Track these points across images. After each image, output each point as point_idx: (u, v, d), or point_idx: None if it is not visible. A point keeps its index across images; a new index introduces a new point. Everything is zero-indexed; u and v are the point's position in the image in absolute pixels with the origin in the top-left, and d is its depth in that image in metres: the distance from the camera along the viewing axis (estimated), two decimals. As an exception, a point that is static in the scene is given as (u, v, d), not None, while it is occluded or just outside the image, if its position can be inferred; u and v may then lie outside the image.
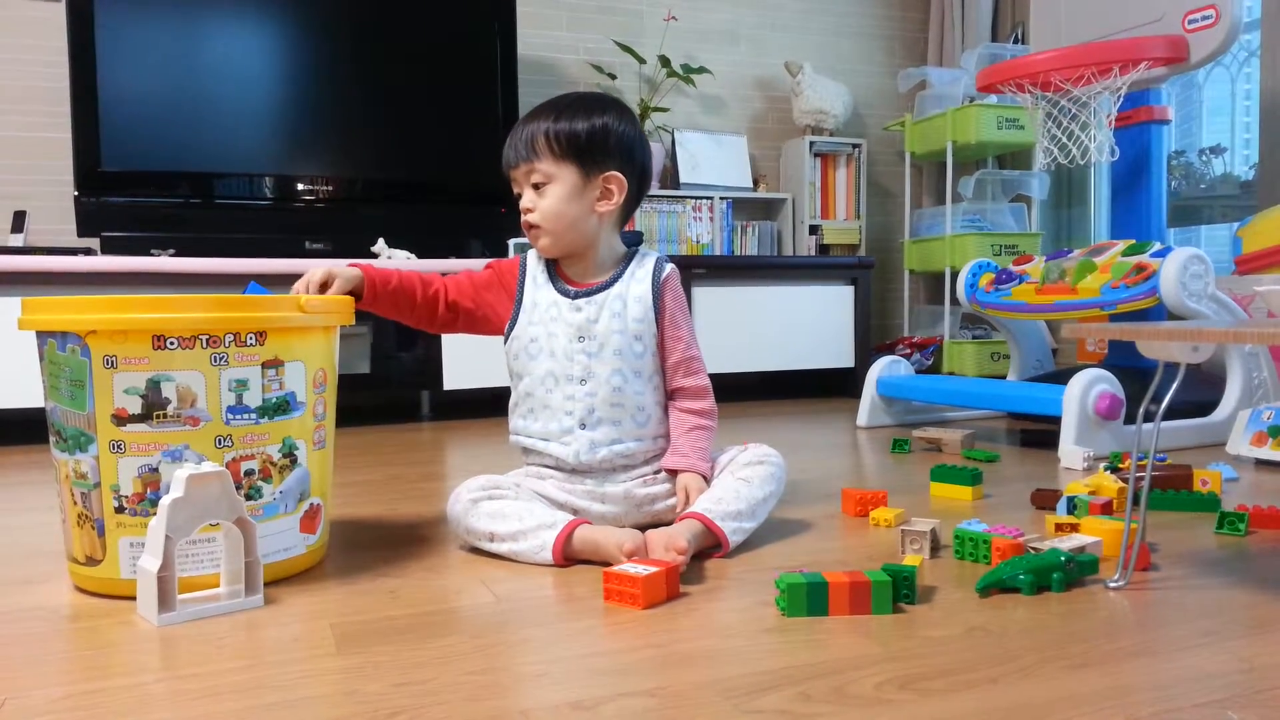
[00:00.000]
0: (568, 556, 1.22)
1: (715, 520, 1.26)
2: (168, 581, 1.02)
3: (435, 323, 1.42)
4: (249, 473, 1.12)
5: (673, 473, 1.38)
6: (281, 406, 1.15)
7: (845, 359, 3.36)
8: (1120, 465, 1.77)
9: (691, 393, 1.41)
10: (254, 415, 1.12)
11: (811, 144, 3.68)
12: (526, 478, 1.38)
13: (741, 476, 1.35)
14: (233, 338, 1.10)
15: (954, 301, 3.43)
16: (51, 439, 1.14)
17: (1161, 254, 2.13)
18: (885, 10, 4.02)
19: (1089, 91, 2.33)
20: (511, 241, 3.03)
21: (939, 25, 3.93)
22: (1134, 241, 2.29)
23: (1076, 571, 1.12)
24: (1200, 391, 2.24)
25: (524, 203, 1.36)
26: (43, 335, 1.11)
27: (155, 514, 1.03)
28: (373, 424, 2.77)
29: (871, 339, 3.50)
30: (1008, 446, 2.23)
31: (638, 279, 1.39)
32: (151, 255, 2.63)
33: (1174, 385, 1.07)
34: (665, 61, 3.51)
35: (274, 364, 1.14)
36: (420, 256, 2.85)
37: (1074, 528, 1.32)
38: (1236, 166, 3.18)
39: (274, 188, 2.96)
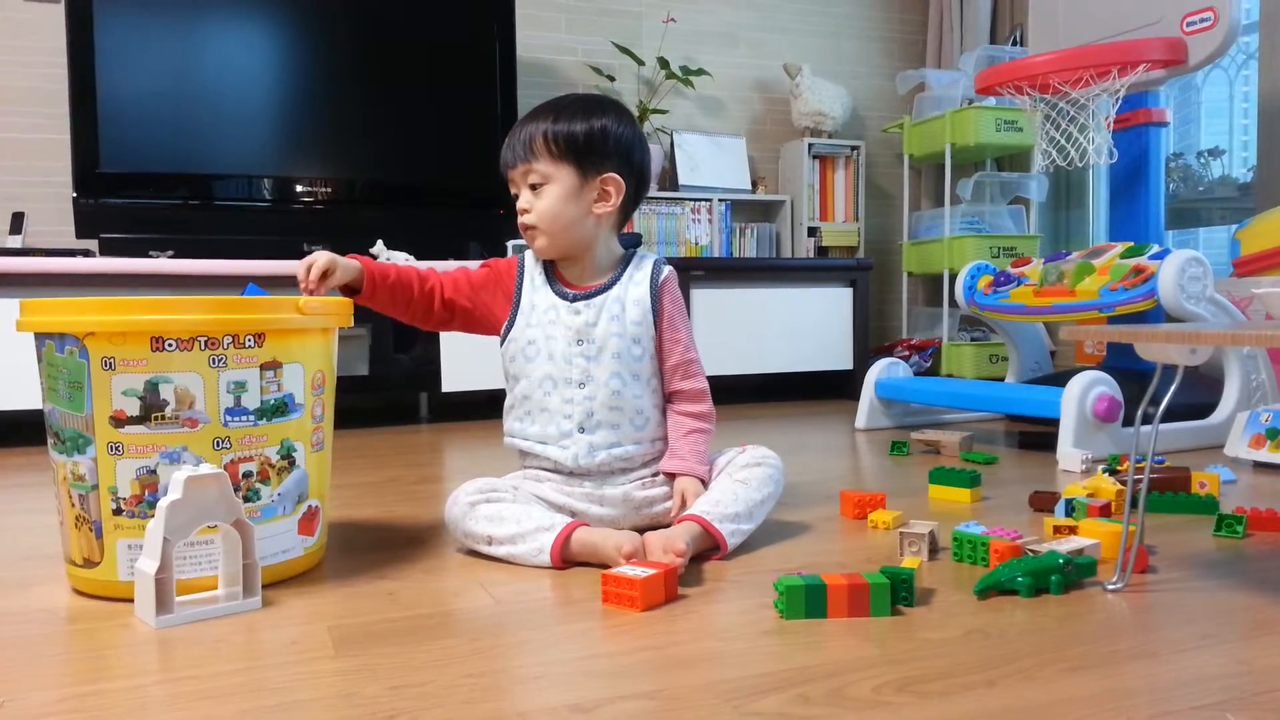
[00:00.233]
0: (566, 559, 1.22)
1: (713, 522, 1.26)
2: (166, 584, 1.01)
3: (431, 319, 1.41)
4: (247, 475, 1.12)
5: (670, 476, 1.38)
6: (280, 408, 1.15)
7: (844, 361, 3.36)
8: (1118, 467, 1.78)
9: (689, 395, 1.41)
10: (252, 417, 1.12)
11: (810, 146, 3.68)
12: (524, 480, 1.37)
13: (740, 478, 1.35)
14: (231, 339, 1.10)
15: (952, 303, 3.43)
16: (49, 441, 1.13)
17: (1160, 256, 2.13)
18: (884, 12, 4.03)
19: (1087, 94, 2.33)
20: (510, 243, 3.02)
21: (937, 27, 3.94)
22: (1132, 244, 2.29)
23: (1075, 574, 1.12)
24: (1198, 394, 2.24)
25: (521, 203, 1.36)
26: (41, 337, 1.11)
27: (153, 516, 1.02)
28: (371, 426, 2.77)
29: (870, 341, 3.50)
30: (1006, 449, 2.23)
31: (636, 282, 1.39)
32: (150, 257, 2.63)
33: (1172, 387, 1.07)
34: (664, 63, 3.51)
35: (272, 366, 1.13)
36: (419, 258, 2.85)
37: (1072, 530, 1.33)
38: (1235, 169, 3.18)
39: (273, 189, 2.96)
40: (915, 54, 4.06)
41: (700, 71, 3.56)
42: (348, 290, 1.33)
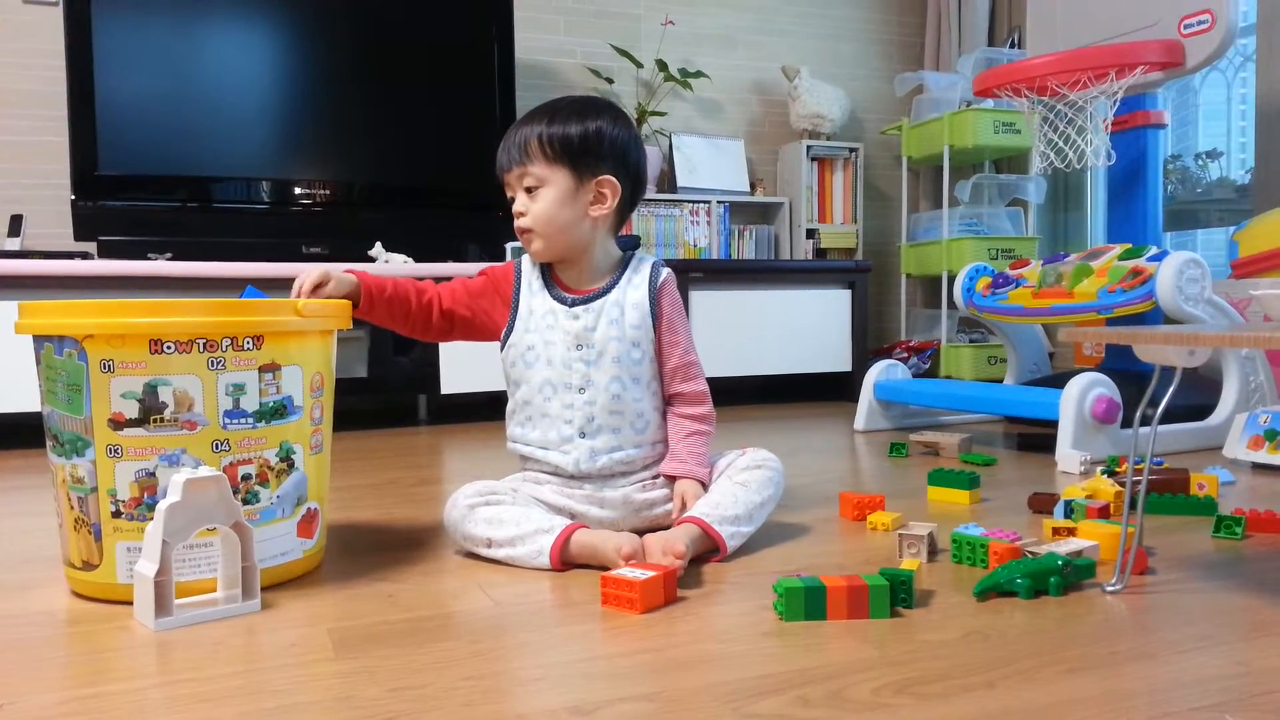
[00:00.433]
0: (565, 561, 1.22)
1: (713, 524, 1.26)
2: (165, 586, 1.01)
3: (431, 331, 1.41)
4: (246, 477, 1.12)
5: (671, 479, 1.38)
6: (278, 411, 1.14)
7: (843, 363, 3.37)
8: (1117, 469, 1.78)
9: (689, 398, 1.41)
10: (251, 419, 1.12)
11: (809, 148, 3.68)
12: (524, 482, 1.37)
13: (739, 481, 1.35)
14: (230, 342, 1.10)
15: (951, 305, 3.44)
16: (48, 443, 1.13)
17: (1158, 258, 2.14)
18: (882, 15, 4.03)
19: (1085, 96, 2.33)
20: (509, 245, 3.03)
21: (936, 29, 3.94)
22: (1130, 245, 2.29)
23: (1074, 575, 1.12)
24: (1197, 395, 2.24)
25: (517, 207, 1.35)
26: (39, 339, 1.11)
27: (152, 518, 1.02)
28: (370, 428, 2.77)
29: (869, 343, 3.50)
30: (1005, 450, 2.23)
31: (634, 285, 1.39)
32: (148, 259, 2.63)
33: (1170, 389, 1.07)
34: (662, 66, 3.52)
35: (271, 368, 1.13)
36: (417, 260, 2.85)
37: (1071, 531, 1.33)
38: (1232, 171, 3.19)
39: (271, 192, 2.96)
40: (913, 56, 4.06)
41: (699, 74, 3.57)
42: None
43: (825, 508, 1.59)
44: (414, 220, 3.10)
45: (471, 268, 2.74)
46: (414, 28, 3.09)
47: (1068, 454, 1.96)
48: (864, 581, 1.04)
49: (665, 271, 1.42)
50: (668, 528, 1.30)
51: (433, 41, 3.11)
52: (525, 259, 1.42)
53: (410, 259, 2.85)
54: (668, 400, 1.42)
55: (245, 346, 1.11)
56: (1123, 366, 2.44)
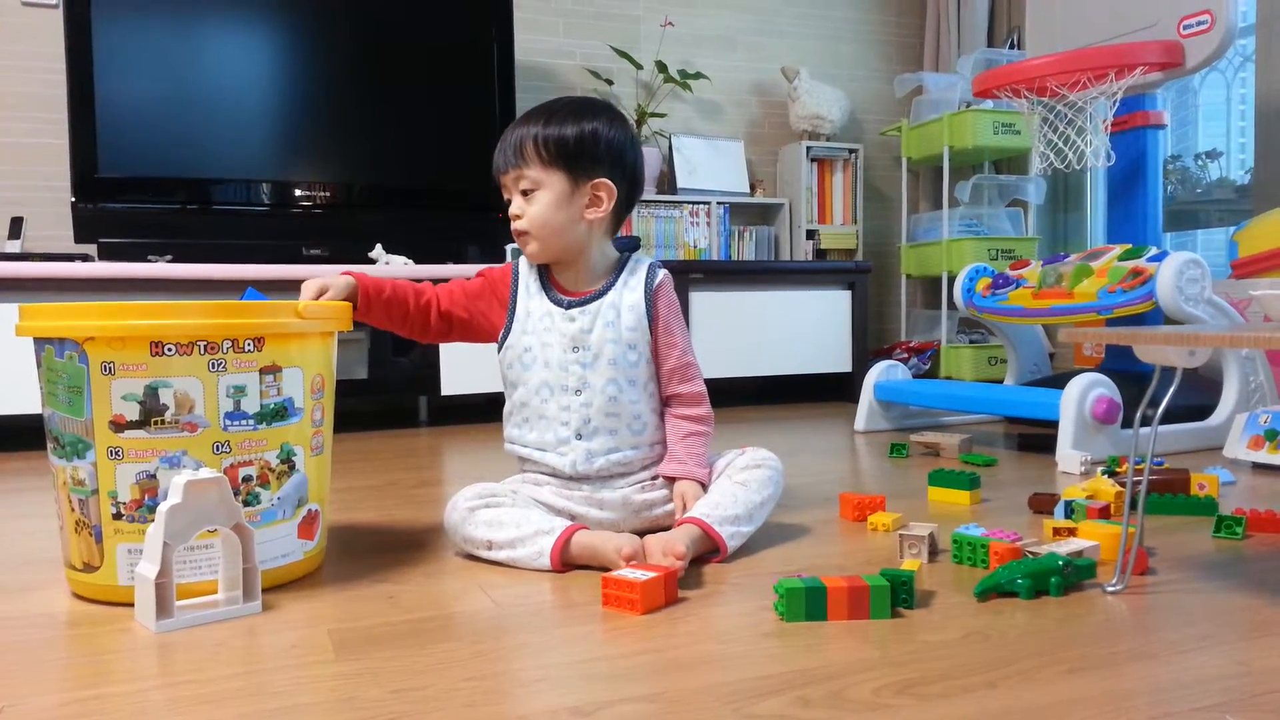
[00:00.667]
0: (566, 562, 1.22)
1: (713, 525, 1.26)
2: (166, 588, 1.01)
3: (429, 332, 1.41)
4: (247, 479, 1.12)
5: (670, 480, 1.38)
6: (279, 412, 1.15)
7: (843, 364, 3.37)
8: (1117, 469, 1.78)
9: (687, 399, 1.41)
10: (252, 421, 1.12)
11: (808, 149, 3.69)
12: (523, 484, 1.37)
13: (739, 480, 1.35)
14: (230, 344, 1.10)
15: (951, 306, 3.44)
16: (49, 446, 1.14)
17: (1158, 258, 2.14)
18: (881, 15, 4.03)
19: (1085, 96, 2.33)
20: (508, 247, 3.03)
21: (935, 30, 3.94)
22: (1130, 246, 2.30)
23: (1074, 575, 1.12)
24: (1197, 395, 2.24)
25: (513, 209, 1.36)
26: (40, 341, 1.11)
27: (153, 520, 1.02)
28: (370, 429, 2.77)
29: (869, 343, 3.50)
30: (1005, 451, 2.23)
31: (630, 287, 1.39)
32: (149, 261, 2.63)
33: (1171, 389, 1.07)
34: (662, 67, 3.52)
35: (272, 370, 1.14)
36: (417, 262, 2.85)
37: (1072, 532, 1.33)
38: (1232, 171, 3.19)
39: (271, 193, 2.96)
40: (913, 57, 4.06)
41: (698, 75, 3.57)
42: None
43: (826, 508, 1.59)
44: (414, 222, 3.10)
45: (471, 269, 2.75)
46: (413, 29, 3.09)
47: (1068, 454, 1.96)
48: (865, 582, 1.04)
49: (662, 273, 1.42)
50: (668, 528, 1.30)
51: (432, 43, 3.11)
52: (523, 260, 1.42)
53: (410, 260, 2.85)
54: (666, 401, 1.42)
55: (246, 348, 1.11)
56: (1123, 367, 2.44)
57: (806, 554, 1.32)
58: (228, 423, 1.10)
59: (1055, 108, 2.41)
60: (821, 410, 3.13)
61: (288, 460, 1.16)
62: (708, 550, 1.26)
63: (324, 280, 1.28)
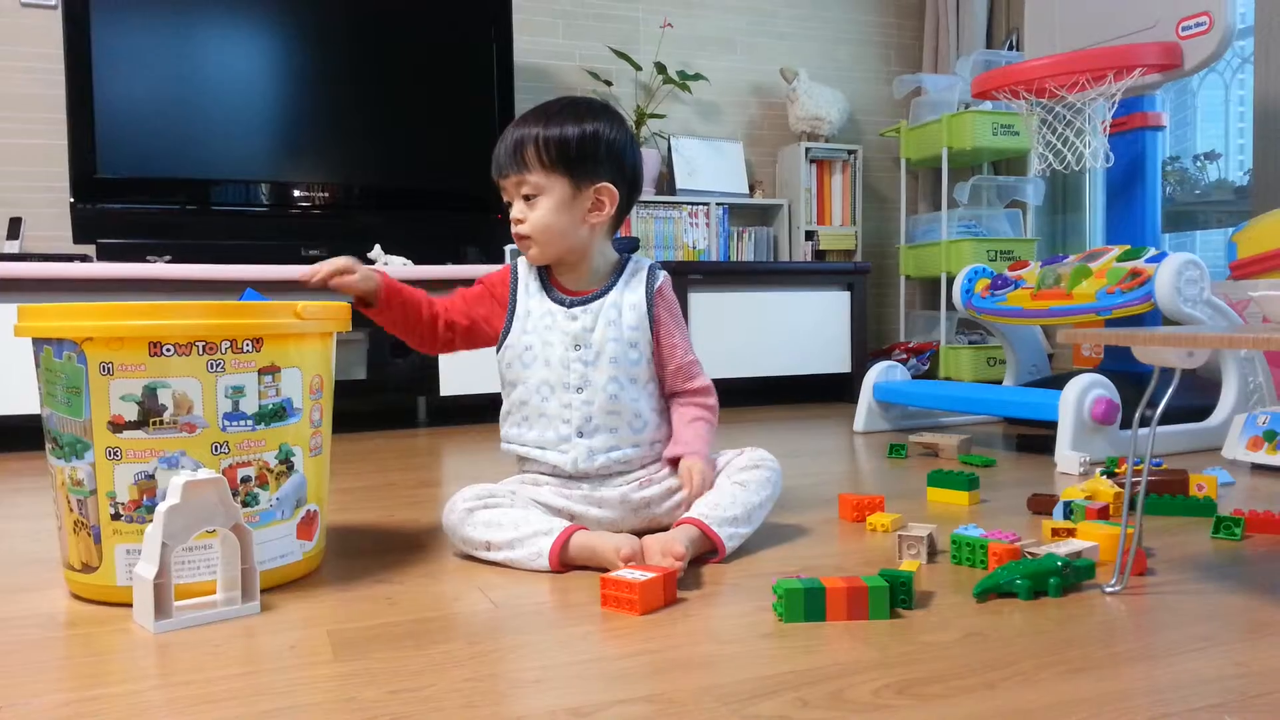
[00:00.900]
0: (564, 563, 1.22)
1: (712, 525, 1.26)
2: (164, 588, 1.01)
3: (436, 341, 1.41)
4: (245, 479, 1.12)
5: (674, 463, 1.38)
6: (278, 413, 1.15)
7: (842, 364, 3.37)
8: (1116, 470, 1.78)
9: (695, 392, 1.42)
10: (250, 422, 1.12)
11: (807, 150, 3.69)
12: (522, 484, 1.37)
13: (738, 481, 1.35)
14: (229, 344, 1.10)
15: (950, 307, 3.44)
16: (47, 446, 1.13)
17: (1156, 259, 2.14)
18: (880, 17, 4.04)
19: (1084, 98, 2.34)
20: (507, 248, 3.03)
21: (934, 32, 3.94)
22: (1129, 247, 2.30)
23: (1073, 576, 1.12)
24: (1196, 396, 2.25)
25: (514, 213, 1.36)
26: (39, 342, 1.11)
27: (151, 521, 1.02)
28: (369, 430, 2.77)
29: (868, 344, 3.51)
30: (1004, 451, 2.23)
31: (631, 288, 1.39)
32: (147, 262, 2.63)
33: (1169, 390, 1.07)
34: (661, 68, 3.52)
35: (270, 370, 1.13)
36: (416, 263, 2.85)
37: (1070, 533, 1.33)
38: (1231, 172, 3.19)
39: (270, 194, 2.96)
40: (912, 58, 4.07)
41: (697, 76, 3.57)
42: (361, 302, 1.33)
43: (824, 509, 1.59)
44: (413, 222, 3.10)
45: (470, 269, 2.75)
46: (413, 30, 3.10)
47: (1067, 455, 1.96)
48: (863, 583, 1.04)
49: (662, 275, 1.42)
50: (666, 528, 1.30)
51: (432, 44, 3.11)
52: (522, 261, 1.43)
53: (409, 261, 2.85)
54: (673, 397, 1.43)
55: (244, 349, 1.11)
56: (1121, 368, 2.44)
57: (805, 554, 1.32)
58: (226, 423, 1.10)
59: (1054, 109, 2.41)
60: (820, 411, 3.14)
61: (286, 461, 1.16)
62: (706, 551, 1.26)
63: (354, 260, 1.28)
